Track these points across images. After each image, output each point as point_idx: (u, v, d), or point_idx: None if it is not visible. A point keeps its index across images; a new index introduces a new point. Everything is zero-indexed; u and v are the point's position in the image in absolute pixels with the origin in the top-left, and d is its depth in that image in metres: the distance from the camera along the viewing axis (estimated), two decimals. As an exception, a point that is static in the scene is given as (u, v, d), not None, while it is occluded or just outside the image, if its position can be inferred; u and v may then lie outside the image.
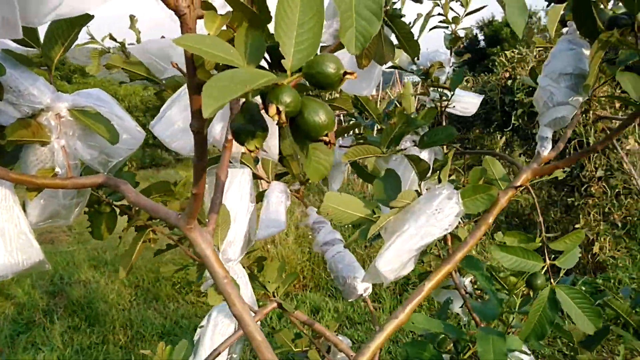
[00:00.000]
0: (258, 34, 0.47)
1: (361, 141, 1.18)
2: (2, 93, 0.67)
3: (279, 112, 0.37)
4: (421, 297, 0.77)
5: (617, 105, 4.48)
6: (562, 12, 0.88)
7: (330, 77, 0.40)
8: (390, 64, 1.35)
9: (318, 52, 0.42)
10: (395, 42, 0.92)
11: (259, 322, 0.96)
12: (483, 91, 5.63)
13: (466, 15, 1.36)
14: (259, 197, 1.15)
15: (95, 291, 4.45)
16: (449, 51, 1.40)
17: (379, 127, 1.27)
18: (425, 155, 1.00)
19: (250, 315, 0.63)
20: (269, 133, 0.84)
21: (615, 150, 4.24)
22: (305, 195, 1.28)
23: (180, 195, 1.06)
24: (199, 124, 0.51)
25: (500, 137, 5.51)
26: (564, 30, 0.82)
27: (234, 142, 0.51)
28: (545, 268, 0.78)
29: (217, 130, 0.78)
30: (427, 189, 0.84)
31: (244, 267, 1.07)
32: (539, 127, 0.81)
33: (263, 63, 0.51)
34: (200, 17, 0.46)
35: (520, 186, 0.80)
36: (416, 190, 0.83)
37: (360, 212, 0.81)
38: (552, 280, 0.78)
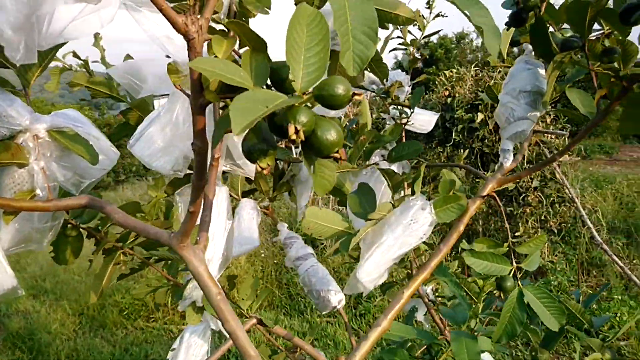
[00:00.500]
0: (261, 57, 0.49)
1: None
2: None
3: (297, 132, 0.40)
4: (401, 304, 0.80)
5: (548, 120, 4.81)
6: (512, 34, 0.96)
7: (340, 98, 0.43)
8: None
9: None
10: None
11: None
12: (424, 108, 5.87)
13: (423, 38, 1.44)
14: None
15: (36, 322, 4.19)
16: (407, 72, 1.47)
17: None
18: (393, 169, 1.05)
19: (244, 331, 0.64)
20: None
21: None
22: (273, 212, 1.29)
23: (150, 216, 1.05)
24: (203, 144, 0.52)
25: (442, 152, 5.74)
26: (525, 49, 0.89)
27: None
28: (512, 271, 0.84)
29: (202, 148, 0.78)
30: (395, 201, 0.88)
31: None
32: (502, 140, 0.88)
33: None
34: (207, 40, 0.48)
35: (487, 195, 0.85)
36: (390, 202, 0.87)
37: (339, 225, 0.84)
38: (519, 282, 0.84)
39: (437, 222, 0.84)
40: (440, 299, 1.52)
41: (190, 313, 0.90)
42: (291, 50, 0.45)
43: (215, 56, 0.49)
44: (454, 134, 5.36)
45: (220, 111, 0.72)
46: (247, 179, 1.24)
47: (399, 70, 1.44)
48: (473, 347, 0.85)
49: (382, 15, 0.71)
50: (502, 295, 0.84)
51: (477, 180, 5.18)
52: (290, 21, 0.45)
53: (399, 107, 1.42)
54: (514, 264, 0.84)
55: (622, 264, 3.90)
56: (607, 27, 0.79)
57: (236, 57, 0.65)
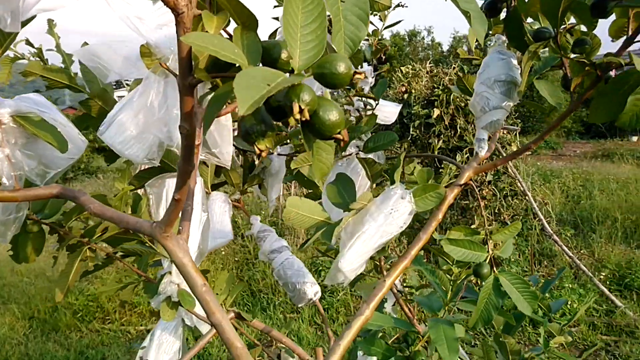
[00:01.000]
0: (252, 35, 0.47)
1: (300, 148, 1.20)
2: None
3: (301, 111, 0.38)
4: (383, 292, 0.80)
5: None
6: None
7: (341, 76, 0.42)
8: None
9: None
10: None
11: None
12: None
13: (385, 28, 1.45)
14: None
15: (-19, 327, 3.96)
16: (370, 63, 1.47)
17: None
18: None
19: (230, 323, 0.62)
20: (225, 140, 0.84)
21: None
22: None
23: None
24: (191, 127, 0.50)
25: (400, 147, 5.84)
26: (497, 40, 0.91)
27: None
28: (488, 258, 0.86)
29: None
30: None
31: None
32: (476, 130, 0.89)
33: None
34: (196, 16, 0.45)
35: (465, 184, 0.87)
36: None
37: (320, 216, 0.83)
38: (494, 269, 0.85)
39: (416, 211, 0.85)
40: (407, 289, 1.54)
41: (165, 309, 0.86)
42: (288, 28, 0.43)
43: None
44: (411, 129, 5.45)
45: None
46: (216, 172, 1.21)
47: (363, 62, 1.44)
48: (451, 333, 0.86)
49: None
50: (478, 281, 0.85)
51: (440, 169, 5.28)
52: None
53: (363, 98, 1.42)
54: (490, 251, 0.85)
55: (571, 254, 4.10)
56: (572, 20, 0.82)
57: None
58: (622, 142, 11.40)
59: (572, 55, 0.79)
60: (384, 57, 1.59)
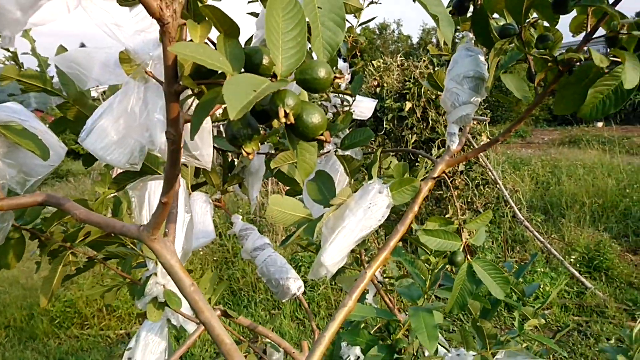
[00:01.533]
0: (235, 42, 0.49)
1: (279, 147, 1.22)
2: None
3: (286, 115, 0.40)
4: (364, 284, 0.83)
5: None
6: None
7: (322, 81, 0.44)
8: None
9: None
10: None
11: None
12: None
13: (359, 25, 1.47)
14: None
15: (-46, 338, 3.85)
16: (346, 59, 1.50)
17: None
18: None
19: (219, 320, 0.64)
20: (205, 142, 0.85)
21: (472, 147, 4.80)
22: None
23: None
24: (177, 132, 0.51)
25: (374, 141, 5.90)
26: (465, 36, 0.94)
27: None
28: (462, 246, 0.89)
29: (163, 140, 0.76)
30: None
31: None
32: (448, 124, 0.93)
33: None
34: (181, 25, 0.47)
35: (438, 177, 0.90)
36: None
37: (302, 212, 0.85)
38: (468, 257, 0.89)
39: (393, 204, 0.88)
40: (387, 279, 1.58)
41: (151, 310, 0.88)
42: (270, 36, 0.45)
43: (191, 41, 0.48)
44: (384, 122, 5.51)
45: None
46: (196, 173, 1.22)
47: (339, 58, 1.47)
48: (430, 321, 0.90)
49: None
50: (453, 269, 0.89)
51: (416, 164, 5.36)
52: (267, 7, 0.46)
53: (340, 94, 1.45)
54: (464, 239, 0.89)
55: (542, 239, 4.22)
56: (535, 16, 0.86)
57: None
58: (588, 129, 11.77)
59: (536, 51, 0.83)
60: (359, 54, 1.62)
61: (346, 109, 1.48)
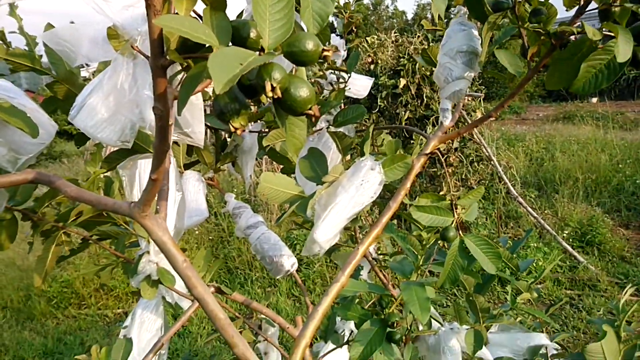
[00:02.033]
0: (222, 15, 0.48)
1: (271, 125, 1.22)
2: None
3: (273, 89, 0.40)
4: (357, 260, 0.84)
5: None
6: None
7: (310, 53, 0.43)
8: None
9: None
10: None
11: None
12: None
13: (357, 1, 1.45)
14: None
15: (-48, 320, 3.88)
16: (342, 36, 1.48)
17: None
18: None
19: (212, 296, 0.64)
20: (196, 119, 0.84)
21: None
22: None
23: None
24: (164, 107, 0.51)
25: (368, 119, 5.88)
26: (459, 11, 0.93)
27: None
28: (454, 222, 0.90)
29: (152, 116, 0.75)
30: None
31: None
32: (440, 100, 0.92)
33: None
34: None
35: (431, 152, 0.90)
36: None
37: (294, 190, 0.85)
38: (460, 232, 0.90)
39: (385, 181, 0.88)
40: (382, 256, 1.59)
41: (145, 287, 0.88)
42: (257, 8, 0.44)
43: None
44: (379, 100, 5.48)
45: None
46: (188, 151, 1.22)
47: (334, 35, 1.45)
48: (422, 294, 0.91)
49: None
50: (445, 244, 0.90)
51: (411, 142, 5.36)
52: (254, -22, 0.45)
53: (336, 72, 1.44)
54: (456, 215, 0.90)
55: (536, 215, 4.26)
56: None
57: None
58: (583, 104, 11.76)
59: (530, 25, 0.82)
60: (355, 30, 1.60)
61: (342, 86, 1.47)
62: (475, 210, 0.95)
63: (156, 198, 0.65)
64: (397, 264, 1.08)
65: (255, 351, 1.29)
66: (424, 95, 5.02)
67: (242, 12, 0.91)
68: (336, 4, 1.39)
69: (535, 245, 4.11)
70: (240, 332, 1.18)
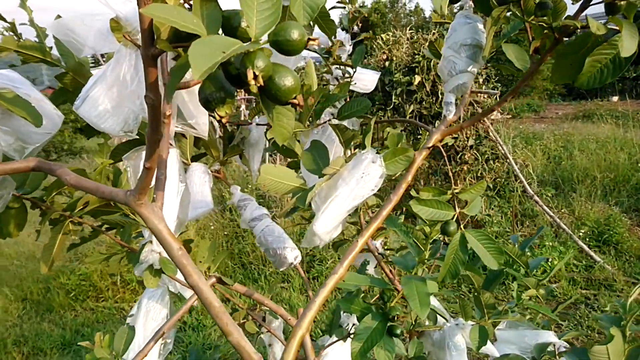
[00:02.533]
0: (213, 5, 0.49)
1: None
2: None
3: (255, 77, 0.40)
4: (355, 252, 0.84)
5: (481, 80, 5.00)
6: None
7: (294, 43, 0.44)
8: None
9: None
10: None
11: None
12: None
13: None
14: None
15: (-25, 310, 3.99)
16: (348, 30, 1.48)
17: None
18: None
19: (207, 284, 0.65)
20: (200, 110, 0.85)
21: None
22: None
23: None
24: (156, 97, 0.52)
25: (383, 116, 5.84)
26: (464, 4, 0.92)
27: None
28: (455, 216, 0.89)
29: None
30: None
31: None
32: (444, 93, 0.92)
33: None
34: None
35: (433, 146, 0.90)
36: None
37: (295, 182, 0.86)
38: (461, 227, 0.89)
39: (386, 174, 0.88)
40: (389, 251, 1.59)
41: (148, 277, 0.90)
42: (245, -2, 0.45)
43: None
44: (393, 97, 5.44)
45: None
46: (195, 144, 1.23)
47: (340, 30, 1.45)
48: (422, 289, 0.90)
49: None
50: (446, 239, 0.89)
51: (418, 138, 5.32)
52: (241, -33, 0.45)
53: (341, 66, 1.44)
54: (457, 209, 0.89)
55: (552, 214, 4.19)
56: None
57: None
58: (603, 103, 11.53)
59: (535, 19, 0.81)
60: (360, 25, 1.59)
61: (347, 80, 1.47)
62: (477, 205, 0.94)
63: (154, 187, 0.67)
64: (401, 259, 1.08)
65: (259, 342, 1.30)
66: (439, 92, 4.98)
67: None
68: (343, -3, 1.39)
69: (551, 244, 4.05)
70: (244, 323, 1.19)
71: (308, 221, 1.54)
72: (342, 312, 1.37)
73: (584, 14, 0.84)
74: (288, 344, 0.73)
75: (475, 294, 1.29)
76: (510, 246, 1.33)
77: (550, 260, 3.81)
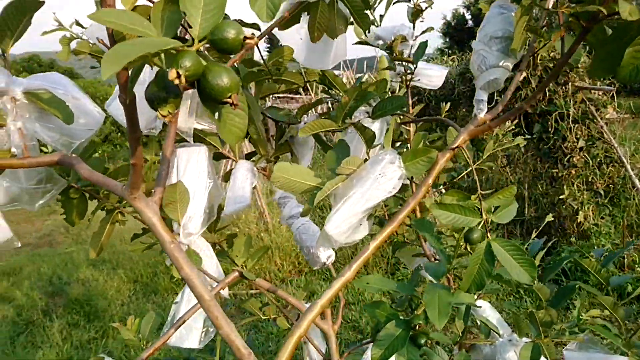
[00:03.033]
0: (175, 8, 0.50)
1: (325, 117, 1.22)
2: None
3: (179, 76, 0.41)
4: (366, 255, 0.81)
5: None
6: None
7: (230, 41, 0.44)
8: (356, 39, 1.39)
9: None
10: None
11: (226, 292, 1.01)
12: (467, 69, 5.65)
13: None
14: (227, 176, 1.20)
15: (94, 289, 4.51)
16: (412, 25, 1.43)
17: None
18: (377, 125, 1.05)
19: (198, 277, 0.68)
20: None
21: (595, 120, 4.29)
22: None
23: (148, 178, 1.11)
24: (128, 97, 0.55)
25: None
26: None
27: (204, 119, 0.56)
28: (481, 223, 0.83)
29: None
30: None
31: (216, 243, 1.13)
32: (476, 90, 0.85)
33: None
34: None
35: (457, 147, 0.84)
36: (365, 158, 0.88)
37: (311, 181, 0.85)
38: (488, 235, 0.82)
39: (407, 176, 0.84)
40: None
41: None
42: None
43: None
44: (495, 93, 5.13)
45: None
46: (251, 141, 1.28)
47: (404, 24, 1.40)
48: (445, 298, 0.85)
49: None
50: (467, 247, 0.83)
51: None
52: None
53: (403, 63, 1.39)
54: (484, 215, 0.82)
55: (673, 227, 3.66)
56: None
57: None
58: None
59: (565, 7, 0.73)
60: (423, 19, 1.53)
61: (408, 77, 1.42)
62: (510, 213, 0.86)
63: (155, 182, 0.71)
64: (432, 265, 1.03)
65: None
66: (546, 89, 4.60)
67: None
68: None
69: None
70: (275, 319, 1.21)
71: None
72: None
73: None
74: (284, 342, 0.73)
75: (531, 310, 1.19)
76: (587, 260, 1.21)
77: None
